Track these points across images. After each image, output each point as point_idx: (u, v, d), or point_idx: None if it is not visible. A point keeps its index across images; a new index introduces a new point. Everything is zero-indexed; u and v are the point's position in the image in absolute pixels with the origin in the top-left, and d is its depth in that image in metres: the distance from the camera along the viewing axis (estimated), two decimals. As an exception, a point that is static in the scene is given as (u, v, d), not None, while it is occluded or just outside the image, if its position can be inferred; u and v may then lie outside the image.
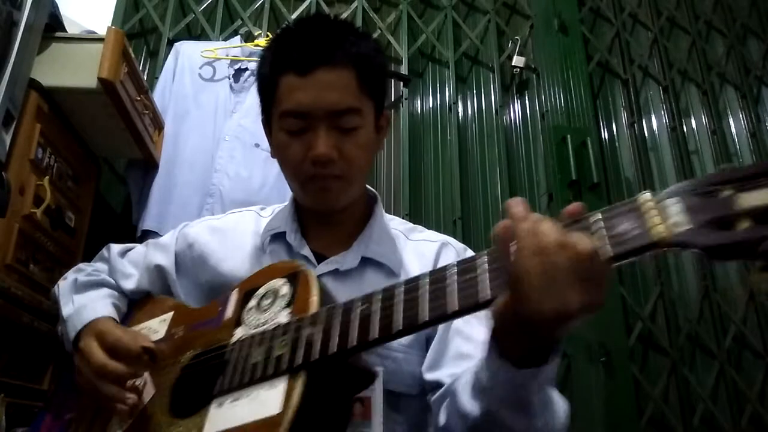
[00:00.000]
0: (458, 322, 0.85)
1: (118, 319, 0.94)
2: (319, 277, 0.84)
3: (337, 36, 0.87)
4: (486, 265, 0.59)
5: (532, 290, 0.53)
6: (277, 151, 0.92)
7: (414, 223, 1.04)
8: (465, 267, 0.61)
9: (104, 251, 1.07)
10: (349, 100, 0.85)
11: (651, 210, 0.52)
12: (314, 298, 0.72)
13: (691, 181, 0.52)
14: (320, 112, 0.84)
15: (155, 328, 0.92)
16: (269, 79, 0.88)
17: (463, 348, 0.84)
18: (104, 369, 0.81)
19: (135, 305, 1.01)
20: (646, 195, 0.53)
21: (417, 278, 0.64)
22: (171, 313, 0.92)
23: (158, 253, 1.00)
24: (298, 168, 0.87)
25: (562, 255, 0.53)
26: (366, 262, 0.91)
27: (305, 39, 0.86)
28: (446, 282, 0.61)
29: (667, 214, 0.51)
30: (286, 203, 0.99)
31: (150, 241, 1.05)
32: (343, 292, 0.82)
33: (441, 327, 0.86)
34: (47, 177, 1.35)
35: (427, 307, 0.61)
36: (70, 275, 1.03)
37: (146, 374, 0.84)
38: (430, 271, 0.63)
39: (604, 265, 0.53)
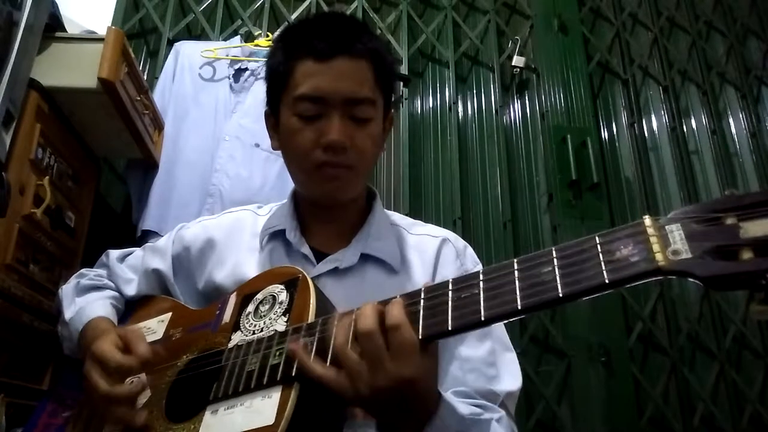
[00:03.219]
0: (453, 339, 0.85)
1: (116, 320, 0.94)
2: (318, 276, 0.84)
3: (354, 29, 0.88)
4: (481, 284, 0.60)
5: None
6: (284, 139, 0.90)
7: (414, 223, 1.04)
8: (463, 285, 0.61)
9: (103, 257, 1.07)
10: (365, 91, 0.86)
11: (651, 236, 0.51)
12: (311, 308, 0.72)
13: (694, 206, 0.51)
14: (337, 99, 0.84)
15: (153, 328, 0.92)
16: (282, 66, 0.88)
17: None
18: (113, 397, 0.77)
19: (135, 304, 1.01)
20: (647, 220, 0.52)
21: (416, 293, 0.64)
22: (169, 314, 0.92)
23: (155, 257, 1.00)
24: (308, 155, 0.86)
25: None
26: (366, 258, 0.90)
27: (324, 28, 0.87)
28: (445, 298, 0.61)
29: (667, 241, 0.50)
30: (285, 201, 0.99)
31: (147, 245, 1.04)
32: (343, 291, 0.83)
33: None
34: (47, 177, 1.35)
35: (421, 324, 0.61)
36: (73, 279, 1.03)
37: (143, 376, 0.84)
38: (427, 288, 0.64)
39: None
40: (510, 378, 0.84)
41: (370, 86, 0.86)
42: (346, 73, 0.84)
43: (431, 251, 0.93)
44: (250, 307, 0.79)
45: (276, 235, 0.93)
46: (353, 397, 0.62)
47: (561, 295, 0.53)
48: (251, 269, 0.90)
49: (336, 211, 0.94)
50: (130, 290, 1.00)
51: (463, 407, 0.73)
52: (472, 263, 0.94)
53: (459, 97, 2.29)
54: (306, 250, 0.91)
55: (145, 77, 1.77)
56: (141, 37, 2.22)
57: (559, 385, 1.91)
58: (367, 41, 0.87)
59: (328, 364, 0.64)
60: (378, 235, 0.92)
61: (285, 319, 0.73)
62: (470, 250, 0.97)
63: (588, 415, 1.86)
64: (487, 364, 0.83)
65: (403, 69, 2.24)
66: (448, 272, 0.89)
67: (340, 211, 0.94)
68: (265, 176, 1.85)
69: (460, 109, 2.29)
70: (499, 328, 0.89)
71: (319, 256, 0.90)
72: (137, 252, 1.04)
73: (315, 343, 0.66)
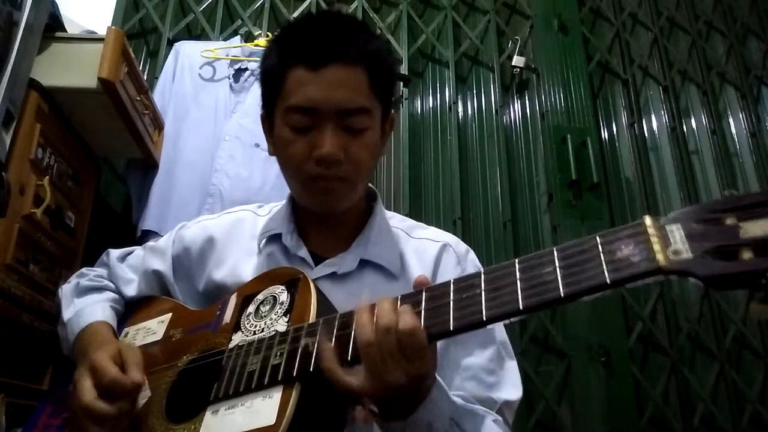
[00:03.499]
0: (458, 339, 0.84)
1: (115, 324, 0.93)
2: (316, 280, 0.84)
3: (350, 32, 0.84)
4: (483, 284, 0.60)
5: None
6: (278, 148, 0.88)
7: (413, 224, 1.03)
8: (464, 285, 0.61)
9: (104, 257, 1.06)
10: (359, 100, 0.82)
11: (652, 236, 0.51)
12: (312, 308, 0.72)
13: (695, 206, 0.51)
14: (329, 110, 0.81)
15: (153, 329, 0.92)
16: (276, 72, 0.85)
17: None
18: (91, 411, 0.74)
19: (135, 305, 1.00)
20: (647, 220, 0.53)
21: (417, 293, 0.64)
22: (169, 315, 0.92)
23: (155, 258, 0.99)
24: (301, 167, 0.84)
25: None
26: (365, 264, 0.89)
27: (318, 33, 0.84)
28: (447, 299, 0.61)
29: (667, 241, 0.51)
30: (284, 202, 0.98)
31: (148, 245, 1.03)
32: (341, 295, 0.82)
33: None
34: (47, 177, 1.35)
35: (423, 325, 0.61)
36: (73, 279, 1.02)
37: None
38: (428, 287, 0.64)
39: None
40: (510, 388, 0.84)
41: (365, 94, 0.83)
42: (338, 82, 0.80)
43: (431, 256, 0.91)
44: (251, 308, 0.79)
45: (274, 239, 0.92)
46: (361, 391, 0.63)
47: (562, 295, 0.54)
48: (249, 272, 0.90)
49: (334, 216, 0.92)
50: (131, 291, 0.99)
51: (458, 399, 0.74)
52: (474, 269, 0.93)
53: (459, 97, 2.29)
54: (303, 253, 0.90)
55: (145, 77, 1.77)
56: (141, 37, 2.22)
57: (559, 385, 1.91)
58: (363, 45, 0.83)
59: (350, 356, 0.65)
60: (378, 239, 0.91)
61: (286, 319, 0.73)
62: (472, 254, 0.95)
63: (588, 415, 1.86)
64: (487, 372, 0.83)
65: (403, 69, 2.24)
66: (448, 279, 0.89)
67: (338, 216, 0.92)
68: (265, 176, 1.85)
69: (460, 109, 2.29)
70: (502, 336, 0.88)
71: (318, 259, 0.90)
72: (138, 251, 1.04)
73: (318, 345, 0.67)
